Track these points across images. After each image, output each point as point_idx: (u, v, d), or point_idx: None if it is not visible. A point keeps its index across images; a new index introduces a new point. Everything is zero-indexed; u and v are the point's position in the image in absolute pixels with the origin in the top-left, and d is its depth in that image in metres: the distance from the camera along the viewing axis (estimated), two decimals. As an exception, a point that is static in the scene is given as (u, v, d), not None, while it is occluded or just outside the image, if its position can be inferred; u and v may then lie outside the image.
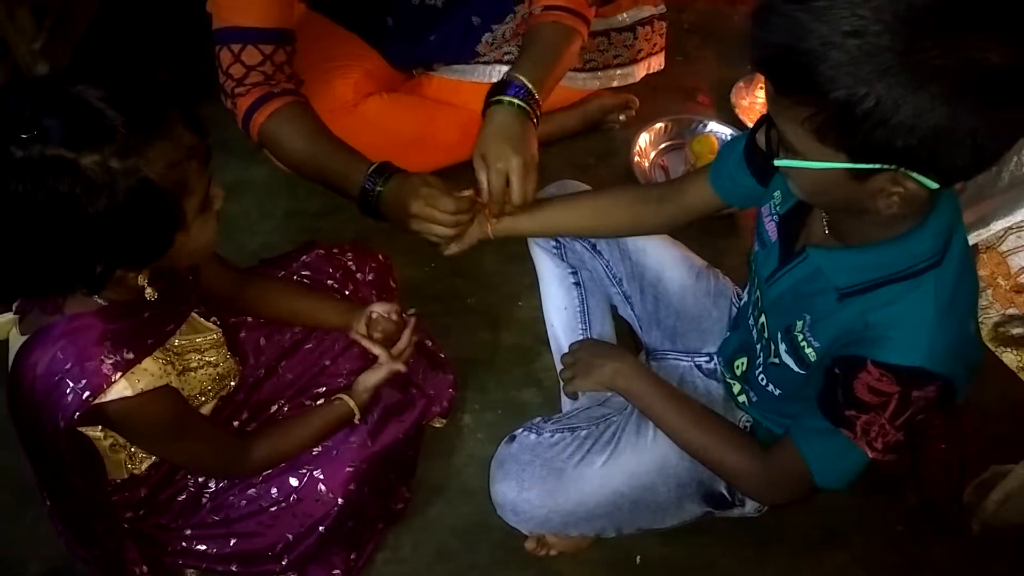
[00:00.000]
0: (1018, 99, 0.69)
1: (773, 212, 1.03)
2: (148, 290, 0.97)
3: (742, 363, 1.15)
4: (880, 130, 0.70)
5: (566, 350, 1.41)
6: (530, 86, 1.27)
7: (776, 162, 0.82)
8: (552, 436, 1.20)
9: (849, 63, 0.68)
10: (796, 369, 0.99)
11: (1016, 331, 1.50)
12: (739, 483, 1.08)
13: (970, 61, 0.66)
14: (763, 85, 0.89)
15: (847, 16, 0.67)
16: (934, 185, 0.74)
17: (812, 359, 0.96)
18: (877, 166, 0.74)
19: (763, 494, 1.08)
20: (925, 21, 0.66)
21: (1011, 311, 1.51)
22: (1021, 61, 0.67)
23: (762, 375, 1.08)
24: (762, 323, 1.07)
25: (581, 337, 1.39)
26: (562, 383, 1.25)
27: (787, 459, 0.96)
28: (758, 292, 1.08)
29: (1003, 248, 1.49)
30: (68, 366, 0.93)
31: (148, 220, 0.87)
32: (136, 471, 1.14)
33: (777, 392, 1.07)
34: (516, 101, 1.25)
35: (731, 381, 1.19)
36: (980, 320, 1.54)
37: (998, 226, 1.47)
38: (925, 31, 0.66)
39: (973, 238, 1.50)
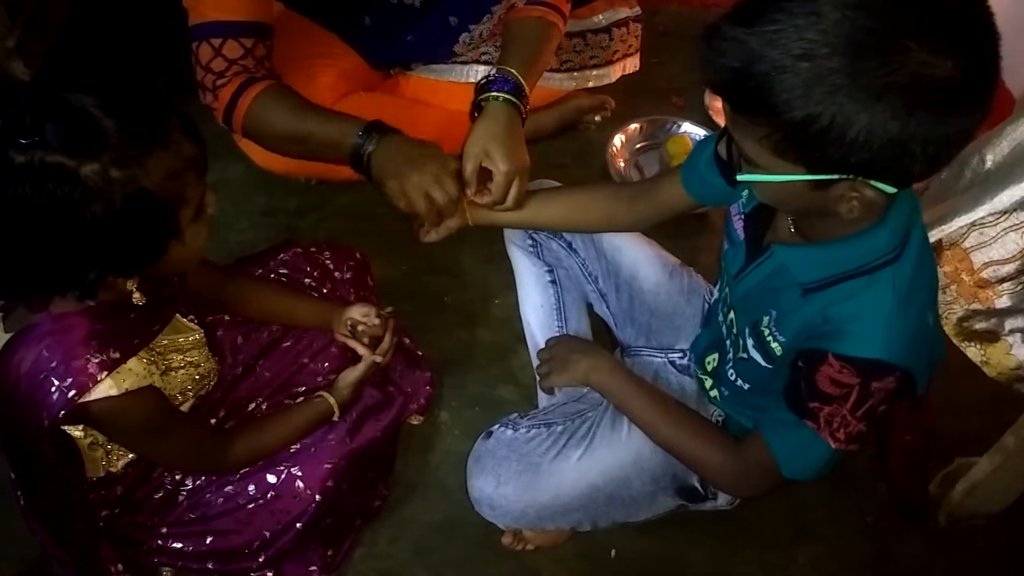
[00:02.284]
0: (965, 107, 0.72)
1: (740, 211, 1.06)
2: (136, 294, 0.97)
3: (713, 359, 1.18)
4: (835, 146, 0.72)
5: (543, 347, 1.42)
6: (520, 80, 1.27)
7: (738, 176, 0.84)
8: (528, 432, 1.21)
9: (801, 85, 0.70)
10: (763, 364, 1.01)
11: (979, 326, 1.53)
12: (710, 476, 1.10)
13: (915, 76, 0.68)
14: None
15: (796, 40, 0.69)
16: (891, 190, 0.77)
17: (778, 353, 0.98)
18: (836, 176, 0.77)
19: (734, 487, 1.10)
20: (869, 41, 0.68)
21: (974, 306, 1.54)
22: (964, 72, 0.69)
23: (731, 370, 1.10)
24: (731, 319, 1.09)
25: (558, 335, 1.40)
26: (538, 378, 1.27)
27: (756, 452, 0.98)
28: (727, 289, 1.10)
29: (966, 245, 1.52)
30: (54, 364, 0.93)
31: (144, 229, 0.88)
32: (112, 469, 1.14)
33: (746, 387, 1.09)
34: (509, 97, 1.25)
35: (703, 377, 1.21)
36: (944, 315, 1.57)
37: (961, 222, 1.51)
38: (870, 50, 0.69)
39: (937, 234, 1.53)
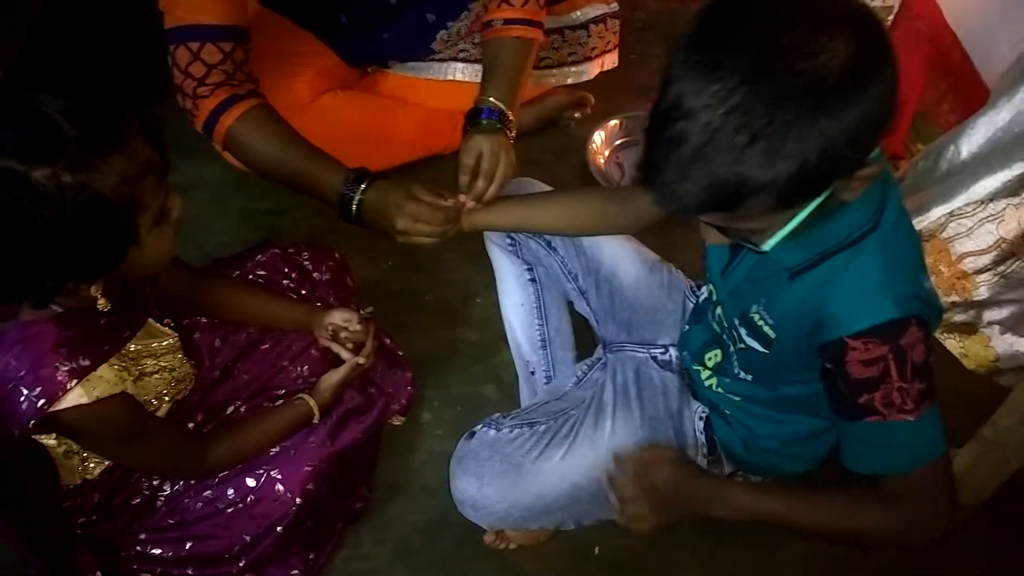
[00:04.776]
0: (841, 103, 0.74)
1: None
2: (101, 301, 0.96)
3: (715, 355, 1.17)
4: (816, 172, 0.75)
5: (524, 346, 1.42)
6: (503, 108, 1.31)
7: (766, 248, 0.87)
8: (511, 431, 1.21)
9: (760, 155, 0.72)
10: (761, 350, 1.02)
11: (958, 318, 1.54)
12: (881, 539, 0.99)
13: (814, 73, 0.71)
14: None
15: (725, 140, 0.72)
16: (874, 162, 0.80)
17: (772, 336, 0.99)
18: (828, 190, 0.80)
19: (908, 533, 0.97)
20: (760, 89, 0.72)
21: (953, 298, 1.55)
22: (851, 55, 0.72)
23: (735, 364, 1.11)
24: (719, 314, 1.10)
25: (539, 333, 1.40)
26: (621, 523, 1.12)
27: (886, 488, 0.93)
28: (712, 286, 1.11)
29: (945, 235, 1.53)
30: (22, 373, 0.91)
31: (99, 235, 0.86)
32: (89, 476, 1.12)
33: (749, 378, 1.10)
34: (496, 124, 1.29)
35: (697, 368, 1.21)
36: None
37: (939, 212, 1.52)
38: (769, 95, 0.72)
39: (916, 225, 1.54)
